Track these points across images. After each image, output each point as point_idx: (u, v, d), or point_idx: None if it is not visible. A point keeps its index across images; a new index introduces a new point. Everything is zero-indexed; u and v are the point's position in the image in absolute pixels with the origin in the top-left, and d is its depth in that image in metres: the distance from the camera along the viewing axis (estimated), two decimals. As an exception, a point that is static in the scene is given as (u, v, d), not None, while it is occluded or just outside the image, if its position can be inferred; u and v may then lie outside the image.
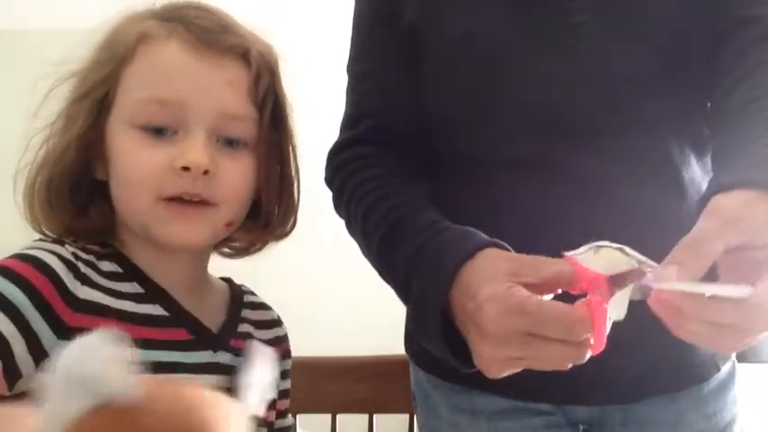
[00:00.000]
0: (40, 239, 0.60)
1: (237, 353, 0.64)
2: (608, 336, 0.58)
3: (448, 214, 0.67)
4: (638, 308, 0.56)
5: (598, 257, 0.53)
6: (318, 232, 2.87)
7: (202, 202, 0.59)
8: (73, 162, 0.61)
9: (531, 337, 0.51)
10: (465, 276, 0.57)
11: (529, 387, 0.71)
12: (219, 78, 0.60)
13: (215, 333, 0.64)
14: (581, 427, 0.74)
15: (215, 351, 0.62)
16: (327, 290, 3.10)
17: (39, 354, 0.52)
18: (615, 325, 0.56)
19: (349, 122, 0.79)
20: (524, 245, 0.59)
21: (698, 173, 0.71)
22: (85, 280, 0.56)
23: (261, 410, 0.38)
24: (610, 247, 0.53)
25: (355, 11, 0.83)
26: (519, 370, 0.55)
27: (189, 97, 0.59)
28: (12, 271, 0.53)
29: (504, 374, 0.55)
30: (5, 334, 0.50)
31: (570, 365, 0.52)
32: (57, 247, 0.57)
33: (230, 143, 0.61)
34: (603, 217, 0.63)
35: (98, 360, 0.29)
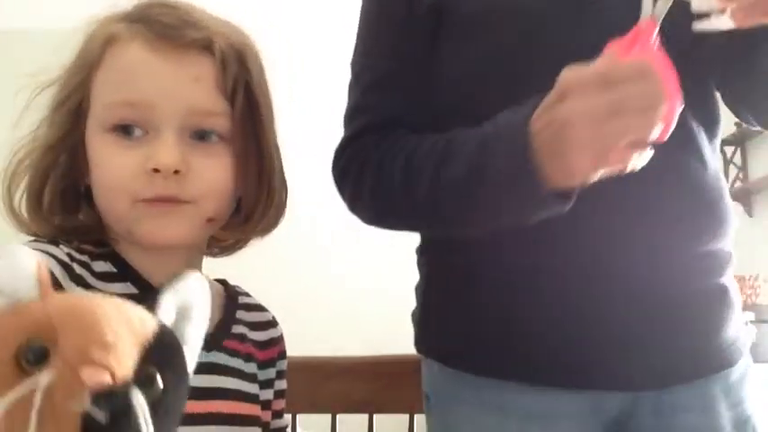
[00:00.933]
0: (35, 240, 0.60)
1: (232, 353, 0.63)
2: (641, 314, 0.67)
3: None
4: (669, 287, 0.65)
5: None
6: (320, 232, 2.88)
7: (179, 200, 0.59)
8: (52, 167, 0.61)
9: (614, 86, 0.53)
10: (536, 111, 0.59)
11: (563, 371, 0.71)
12: (184, 75, 0.59)
13: (209, 333, 0.63)
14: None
15: (208, 351, 0.62)
16: (328, 290, 3.11)
17: None
18: (648, 304, 0.66)
19: (353, 114, 0.79)
20: (570, 216, 0.62)
21: (711, 149, 0.76)
22: (80, 281, 0.56)
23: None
24: None
25: (363, 6, 0.83)
26: (619, 163, 0.55)
27: (155, 97, 0.58)
28: None
29: (594, 160, 0.55)
30: None
31: (656, 114, 0.52)
32: (52, 249, 0.57)
33: (203, 137, 0.60)
34: (636, 182, 0.65)
35: (8, 269, 0.33)
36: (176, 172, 0.57)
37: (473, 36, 0.73)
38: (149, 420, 0.30)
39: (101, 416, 0.28)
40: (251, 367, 0.66)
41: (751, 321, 2.37)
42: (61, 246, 0.58)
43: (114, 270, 0.60)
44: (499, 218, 0.67)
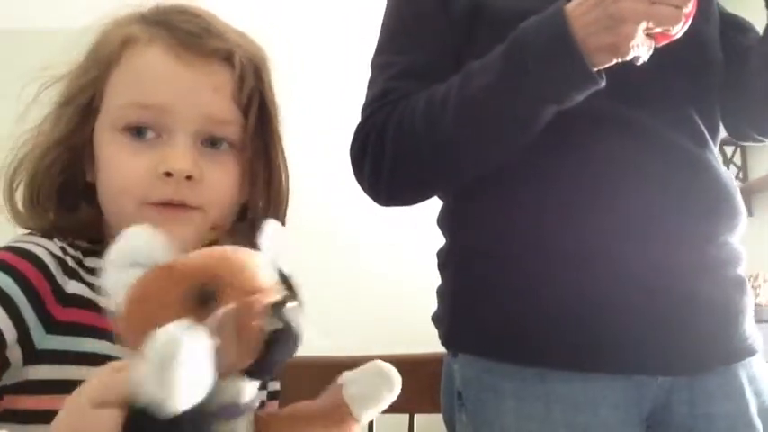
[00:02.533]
0: (30, 233, 0.60)
1: None
2: (674, 300, 0.73)
3: (540, 174, 0.75)
4: (698, 274, 0.72)
5: None
6: (323, 233, 2.88)
7: (188, 206, 0.59)
8: (53, 164, 0.61)
9: None
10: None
11: (606, 356, 0.73)
12: (204, 83, 0.60)
13: None
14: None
15: None
16: (328, 290, 3.11)
17: (27, 346, 0.53)
18: (680, 291, 0.71)
19: (374, 99, 0.80)
20: (602, 199, 0.72)
21: (717, 151, 0.83)
22: (73, 275, 0.57)
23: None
24: None
25: (392, 6, 0.86)
26: (649, 33, 0.64)
27: (172, 102, 0.59)
28: (8, 264, 0.54)
29: (637, 35, 0.63)
30: (0, 324, 0.51)
31: (684, 10, 0.63)
32: (46, 242, 0.57)
33: (214, 144, 0.61)
34: (662, 164, 0.75)
35: (141, 239, 0.40)
36: (189, 178, 0.58)
37: (506, 36, 0.75)
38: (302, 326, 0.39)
39: (279, 324, 0.37)
40: None
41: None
42: (55, 239, 0.58)
43: None
44: (539, 101, 0.70)
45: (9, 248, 0.56)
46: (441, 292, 0.86)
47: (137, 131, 0.59)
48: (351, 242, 2.92)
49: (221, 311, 0.35)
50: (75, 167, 0.62)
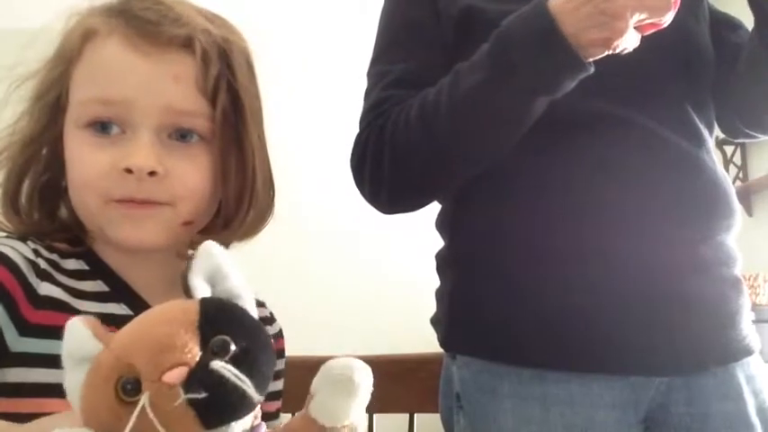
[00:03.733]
0: (3, 236, 0.59)
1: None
2: (672, 302, 0.73)
3: (531, 174, 0.75)
4: (694, 274, 0.72)
5: None
6: (324, 233, 2.89)
7: (154, 202, 0.57)
8: (29, 162, 0.60)
9: None
10: None
11: (603, 357, 0.73)
12: (162, 73, 0.57)
13: None
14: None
15: None
16: (327, 290, 3.11)
17: (1, 349, 0.52)
18: (679, 294, 0.71)
19: (371, 108, 0.81)
20: (597, 200, 0.72)
21: (713, 147, 0.83)
22: (45, 276, 0.55)
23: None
24: None
25: (385, 16, 0.87)
26: (639, 25, 0.65)
27: (132, 95, 0.56)
28: None
29: (628, 28, 0.65)
30: None
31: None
32: (18, 244, 0.56)
33: (184, 137, 0.59)
34: (655, 164, 0.76)
35: (75, 334, 0.38)
36: (152, 174, 0.56)
37: None
38: (241, 374, 0.35)
39: (200, 393, 0.34)
40: None
41: (751, 321, 2.37)
42: (28, 242, 0.57)
43: (86, 268, 0.59)
44: (531, 93, 0.70)
45: None
46: (439, 295, 0.87)
47: (101, 127, 0.57)
48: (352, 243, 2.92)
49: (140, 403, 0.34)
50: (53, 168, 0.60)
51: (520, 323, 0.76)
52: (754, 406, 0.77)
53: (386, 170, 0.77)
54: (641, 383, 0.75)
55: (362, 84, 0.87)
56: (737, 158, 2.99)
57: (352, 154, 0.82)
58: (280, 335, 0.71)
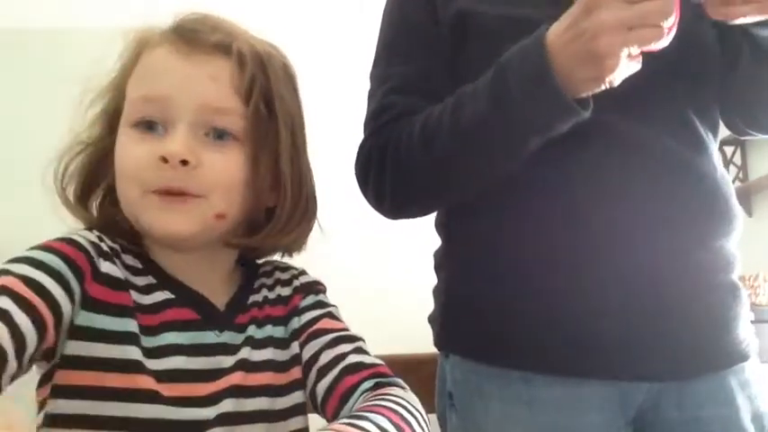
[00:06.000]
0: (70, 231, 0.63)
1: (242, 329, 0.65)
2: (663, 307, 0.72)
3: (513, 185, 0.74)
4: (689, 280, 0.71)
5: None
6: (323, 232, 2.88)
7: (189, 194, 0.60)
8: (92, 166, 0.66)
9: (632, 3, 0.61)
10: (550, 29, 0.66)
11: (590, 362, 0.72)
12: (200, 73, 0.62)
13: (221, 311, 0.65)
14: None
15: (220, 331, 0.63)
16: (329, 289, 3.10)
17: (72, 320, 0.56)
18: (671, 297, 0.70)
19: (374, 115, 0.81)
20: (590, 206, 0.72)
21: (716, 154, 0.81)
22: (107, 257, 0.60)
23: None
24: None
25: (385, 19, 0.87)
26: (631, 65, 0.63)
27: (171, 93, 0.61)
28: (52, 247, 0.57)
29: (621, 64, 0.62)
30: (57, 297, 0.54)
31: (665, 31, 0.61)
32: (84, 233, 0.61)
33: (220, 136, 0.62)
34: (658, 179, 0.74)
35: None
36: (185, 163, 0.59)
37: (493, 47, 0.75)
38: None
39: None
40: (265, 331, 0.66)
41: (751, 321, 2.37)
42: (94, 231, 0.62)
43: (140, 266, 0.63)
44: (524, 134, 0.70)
45: (49, 240, 0.59)
46: (435, 293, 0.87)
47: (147, 126, 0.61)
48: (351, 242, 2.92)
49: None
50: (114, 172, 0.65)
51: (508, 327, 0.76)
52: (749, 412, 0.76)
53: (388, 185, 0.78)
54: (630, 388, 0.74)
55: (362, 84, 0.88)
56: (737, 158, 3.00)
57: (356, 161, 0.83)
58: (314, 283, 0.74)
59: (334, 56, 3.09)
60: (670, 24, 0.62)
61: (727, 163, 2.97)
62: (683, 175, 0.76)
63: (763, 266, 2.65)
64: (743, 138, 0.91)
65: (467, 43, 0.79)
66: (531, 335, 0.74)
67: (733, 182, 3.01)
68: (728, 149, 2.96)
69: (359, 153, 0.82)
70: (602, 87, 0.65)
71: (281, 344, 0.67)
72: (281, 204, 0.66)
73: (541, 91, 0.65)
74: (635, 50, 0.62)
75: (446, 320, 0.83)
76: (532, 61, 0.66)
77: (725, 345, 0.76)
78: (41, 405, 0.57)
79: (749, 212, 2.89)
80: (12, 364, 0.48)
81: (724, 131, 0.88)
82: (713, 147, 0.81)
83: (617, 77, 0.64)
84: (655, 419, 0.75)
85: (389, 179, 0.77)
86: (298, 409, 0.66)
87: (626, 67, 0.63)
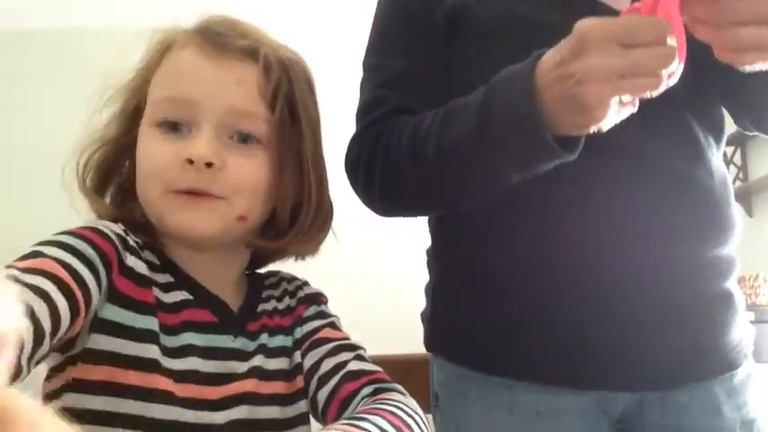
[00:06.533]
0: (95, 220, 0.63)
1: (254, 337, 0.65)
2: (649, 316, 0.70)
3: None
4: (677, 291, 0.70)
5: None
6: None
7: (211, 195, 0.61)
8: (110, 163, 0.66)
9: (629, 48, 0.54)
10: (541, 60, 0.61)
11: (572, 371, 0.72)
12: (227, 76, 0.62)
13: (235, 315, 0.65)
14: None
15: (235, 336, 0.63)
16: (329, 288, 3.10)
17: (96, 311, 0.56)
18: (657, 307, 0.69)
19: (366, 109, 0.80)
20: (577, 215, 0.69)
21: (717, 157, 0.78)
22: (132, 251, 0.60)
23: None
24: None
25: (379, 7, 0.85)
26: (622, 111, 0.57)
27: (198, 95, 0.61)
28: (82, 235, 0.57)
29: (610, 113, 0.57)
30: (89, 285, 0.53)
31: (663, 77, 0.55)
32: (110, 224, 0.61)
33: (244, 140, 0.63)
34: (646, 190, 0.72)
35: None
36: (209, 165, 0.59)
37: (488, 44, 0.74)
38: None
39: None
40: (277, 341, 0.67)
41: (751, 321, 2.36)
42: (119, 223, 0.62)
43: (157, 262, 0.63)
44: (505, 168, 0.67)
45: (78, 227, 0.59)
46: (426, 292, 0.87)
47: (171, 127, 0.62)
48: (352, 241, 2.91)
49: None
50: (133, 171, 0.65)
51: (490, 333, 0.75)
52: (738, 420, 0.74)
53: (377, 187, 0.77)
54: (613, 396, 0.73)
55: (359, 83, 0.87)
56: (737, 158, 2.99)
57: (346, 157, 0.81)
58: (317, 294, 0.74)
59: (333, 55, 3.08)
60: (672, 71, 0.55)
61: (728, 163, 2.96)
62: (677, 185, 0.73)
63: (763, 266, 2.65)
64: (749, 134, 0.89)
65: (461, 41, 0.78)
66: (512, 342, 0.73)
67: (733, 182, 3.01)
68: (728, 149, 2.96)
69: (349, 149, 0.81)
70: (590, 131, 0.59)
71: (288, 353, 0.67)
72: (305, 210, 0.66)
73: (524, 128, 0.61)
74: (627, 98, 0.56)
75: (433, 322, 0.83)
76: (517, 97, 0.62)
77: (712, 354, 0.74)
78: (49, 398, 0.56)
79: (749, 212, 2.89)
80: (46, 345, 0.46)
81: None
82: (713, 151, 0.78)
83: (606, 125, 0.58)
84: (638, 423, 0.74)
85: (378, 181, 0.76)
86: (303, 418, 0.66)
87: (617, 114, 0.58)
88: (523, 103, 0.60)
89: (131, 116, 0.65)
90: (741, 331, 0.77)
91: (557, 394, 0.72)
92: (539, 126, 0.60)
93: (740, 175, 2.98)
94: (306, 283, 0.75)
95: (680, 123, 0.76)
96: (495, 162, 0.67)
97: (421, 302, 0.86)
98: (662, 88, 0.55)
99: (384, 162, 0.75)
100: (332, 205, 0.71)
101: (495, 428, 0.74)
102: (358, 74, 0.84)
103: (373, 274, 2.99)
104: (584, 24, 0.56)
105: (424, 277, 0.86)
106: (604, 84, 0.55)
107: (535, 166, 0.64)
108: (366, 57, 0.84)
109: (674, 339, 0.71)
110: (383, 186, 0.76)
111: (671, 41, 0.54)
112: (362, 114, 0.80)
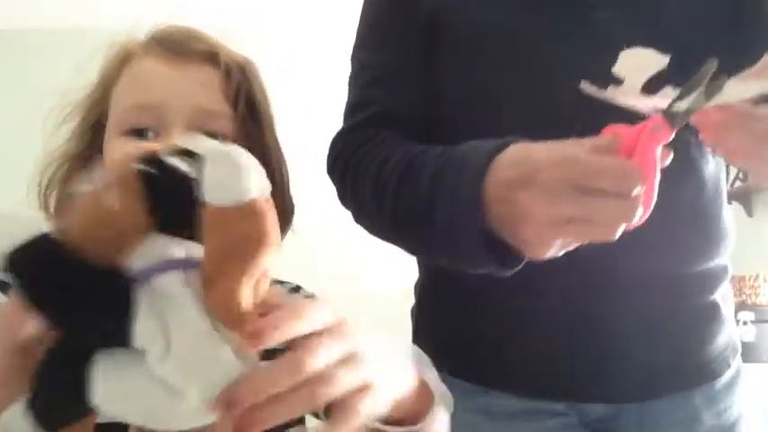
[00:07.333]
0: None
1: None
2: (626, 330, 0.68)
3: None
4: (656, 305, 0.68)
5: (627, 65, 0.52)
6: (320, 232, 2.88)
7: None
8: (74, 177, 0.67)
9: (584, 194, 0.47)
10: (498, 162, 0.53)
11: (546, 384, 0.72)
12: (193, 80, 0.65)
13: None
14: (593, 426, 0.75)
15: None
16: (326, 288, 3.09)
17: None
18: (634, 321, 0.67)
19: (353, 110, 0.79)
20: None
21: (713, 167, 0.74)
22: None
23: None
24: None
25: (365, 3, 0.83)
26: (568, 247, 0.51)
27: (166, 99, 0.64)
28: None
29: (551, 252, 0.51)
30: None
31: (620, 228, 0.48)
32: None
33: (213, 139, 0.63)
34: None
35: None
36: None
37: (468, 60, 0.73)
38: (190, 171, 0.39)
39: (151, 170, 0.38)
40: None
41: (751, 321, 2.36)
42: None
43: None
44: (447, 256, 0.63)
45: None
46: (415, 288, 0.86)
47: (138, 134, 0.63)
48: (351, 241, 2.91)
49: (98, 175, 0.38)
50: None
51: (467, 340, 0.75)
52: (717, 427, 0.74)
53: (350, 204, 0.75)
54: (587, 405, 0.73)
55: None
56: (737, 158, 2.99)
57: (327, 157, 0.79)
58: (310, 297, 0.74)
59: (331, 55, 3.08)
60: (639, 191, 0.47)
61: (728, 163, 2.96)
62: (660, 202, 0.70)
63: (763, 266, 2.64)
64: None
65: (440, 43, 0.76)
66: (485, 355, 0.74)
67: (733, 182, 3.02)
68: (728, 149, 2.95)
69: (333, 143, 0.79)
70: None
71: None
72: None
73: (465, 226, 0.55)
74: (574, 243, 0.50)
75: (416, 323, 0.84)
76: (465, 192, 0.55)
77: (690, 367, 0.74)
78: None
79: (749, 212, 2.88)
80: None
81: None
82: (707, 159, 0.74)
83: (549, 256, 0.52)
84: (614, 429, 0.74)
85: (350, 199, 0.74)
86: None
87: (565, 248, 0.51)
88: (470, 201, 0.54)
89: (92, 130, 0.68)
90: (726, 341, 0.76)
91: (532, 400, 0.73)
92: (477, 234, 0.54)
93: (740, 175, 2.97)
94: (298, 287, 0.75)
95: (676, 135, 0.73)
96: (438, 250, 0.64)
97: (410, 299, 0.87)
98: (617, 235, 0.49)
99: (353, 191, 0.73)
100: (292, 198, 0.73)
101: (473, 430, 0.74)
102: (346, 69, 0.83)
103: (360, 276, 2.99)
104: (539, 153, 0.51)
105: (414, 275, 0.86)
106: (545, 228, 0.50)
107: (470, 263, 0.59)
108: (354, 50, 0.82)
109: (650, 354, 0.71)
110: (354, 207, 0.75)
111: (636, 192, 0.47)
112: (349, 114, 0.79)
